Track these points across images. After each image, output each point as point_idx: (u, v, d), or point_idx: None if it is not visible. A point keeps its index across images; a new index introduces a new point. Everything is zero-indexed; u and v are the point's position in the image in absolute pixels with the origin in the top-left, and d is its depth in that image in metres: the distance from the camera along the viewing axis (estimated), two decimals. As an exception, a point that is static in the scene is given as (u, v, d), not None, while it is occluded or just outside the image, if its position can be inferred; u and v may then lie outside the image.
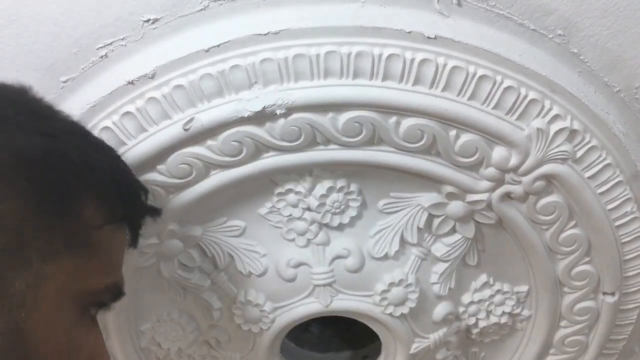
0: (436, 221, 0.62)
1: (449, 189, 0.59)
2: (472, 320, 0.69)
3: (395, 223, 0.62)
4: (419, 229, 0.62)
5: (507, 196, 0.59)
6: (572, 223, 0.61)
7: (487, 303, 0.69)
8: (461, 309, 0.69)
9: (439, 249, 0.64)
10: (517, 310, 0.70)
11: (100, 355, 0.43)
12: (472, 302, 0.69)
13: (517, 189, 0.58)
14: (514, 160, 0.56)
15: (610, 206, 0.60)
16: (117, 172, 0.46)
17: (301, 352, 0.78)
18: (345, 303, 0.64)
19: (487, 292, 0.68)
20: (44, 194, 0.38)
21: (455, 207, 0.61)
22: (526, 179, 0.57)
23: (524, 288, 0.68)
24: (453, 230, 0.63)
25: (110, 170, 0.44)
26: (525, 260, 0.65)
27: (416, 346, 0.68)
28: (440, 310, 0.67)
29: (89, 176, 0.41)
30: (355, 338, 0.80)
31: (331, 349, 0.80)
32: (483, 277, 0.68)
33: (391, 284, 0.63)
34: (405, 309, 0.64)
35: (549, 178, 0.57)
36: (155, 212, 0.51)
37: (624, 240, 0.62)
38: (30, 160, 0.38)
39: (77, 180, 0.40)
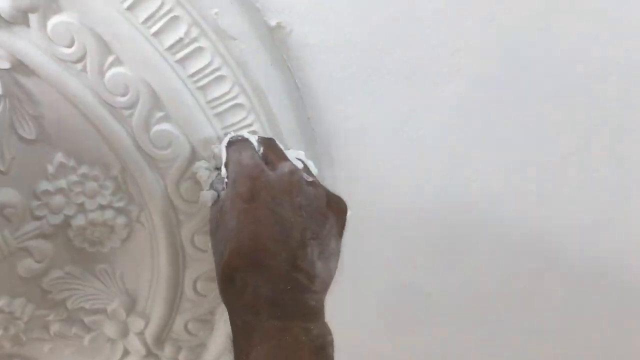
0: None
1: None
2: (59, 219, 0.53)
3: None
4: None
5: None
6: (112, 58, 0.45)
7: (74, 193, 0.52)
8: (34, 203, 0.52)
9: (-40, 110, 0.47)
10: (121, 203, 0.54)
11: None
12: (49, 192, 0.52)
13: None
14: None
15: (151, 30, 0.44)
16: None
17: None
18: None
19: (71, 179, 0.52)
20: None
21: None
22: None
23: (116, 170, 0.52)
24: (-26, 84, 0.47)
25: None
26: (94, 126, 0.49)
27: (-35, 249, 0.51)
28: (-11, 200, 0.50)
29: None
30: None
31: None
32: (59, 157, 0.51)
33: None
34: None
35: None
36: None
37: (199, 84, 0.47)
38: None
39: None
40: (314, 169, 0.47)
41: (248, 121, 0.49)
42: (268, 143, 0.46)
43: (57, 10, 0.43)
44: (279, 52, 0.49)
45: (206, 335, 0.63)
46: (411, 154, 0.55)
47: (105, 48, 0.45)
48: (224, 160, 0.45)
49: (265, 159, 0.44)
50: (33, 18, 0.43)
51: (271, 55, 0.49)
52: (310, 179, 0.42)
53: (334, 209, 0.42)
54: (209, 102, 0.48)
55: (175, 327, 0.62)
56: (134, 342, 0.62)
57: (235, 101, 0.48)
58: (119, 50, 0.45)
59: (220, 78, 0.47)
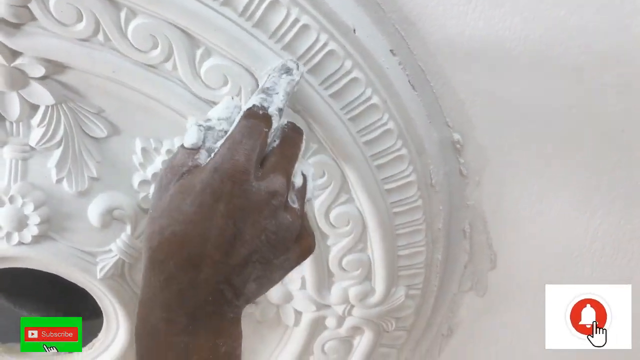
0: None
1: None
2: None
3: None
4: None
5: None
6: (125, 13, 0.41)
7: (169, 173, 0.50)
8: (139, 197, 0.51)
9: (34, 137, 0.48)
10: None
11: None
12: (147, 182, 0.51)
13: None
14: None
15: None
16: None
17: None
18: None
19: (159, 160, 0.50)
20: None
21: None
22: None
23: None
24: (28, 106, 0.46)
25: None
26: (149, 95, 0.46)
27: (102, 266, 0.51)
28: (94, 210, 0.50)
29: None
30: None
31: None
32: (139, 144, 0.49)
33: (-9, 209, 0.47)
34: (34, 230, 0.48)
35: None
36: None
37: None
38: None
39: None
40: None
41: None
42: (289, 139, 0.40)
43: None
44: None
45: (366, 269, 0.57)
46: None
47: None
48: (231, 128, 0.39)
49: (266, 158, 0.39)
50: (34, 5, 0.40)
51: None
52: (294, 206, 0.39)
53: (302, 245, 0.40)
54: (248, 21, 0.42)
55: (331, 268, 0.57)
56: (300, 302, 0.59)
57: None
58: None
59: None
